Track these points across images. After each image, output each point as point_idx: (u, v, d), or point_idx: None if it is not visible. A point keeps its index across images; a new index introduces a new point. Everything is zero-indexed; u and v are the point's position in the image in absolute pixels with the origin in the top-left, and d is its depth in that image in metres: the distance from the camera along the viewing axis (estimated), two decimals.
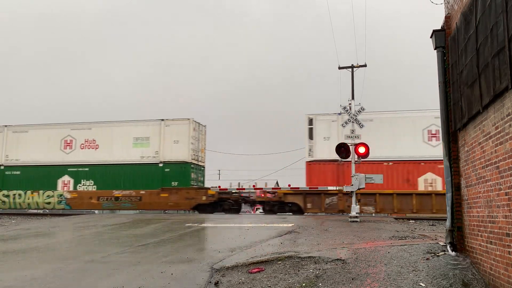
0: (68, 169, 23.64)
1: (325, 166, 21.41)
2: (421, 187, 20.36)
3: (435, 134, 20.60)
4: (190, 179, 22.26)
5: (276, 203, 21.07)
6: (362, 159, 16.10)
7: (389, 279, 5.47)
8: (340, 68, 30.91)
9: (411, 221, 17.22)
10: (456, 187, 6.71)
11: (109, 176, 23.13)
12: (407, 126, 21.03)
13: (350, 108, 15.81)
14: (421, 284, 5.21)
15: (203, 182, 24.15)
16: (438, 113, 7.96)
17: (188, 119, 22.74)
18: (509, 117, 4.25)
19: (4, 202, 23.93)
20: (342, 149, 15.33)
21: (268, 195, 21.45)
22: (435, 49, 7.30)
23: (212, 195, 21.56)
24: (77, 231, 13.01)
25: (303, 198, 20.49)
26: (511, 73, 4.01)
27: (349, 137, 15.55)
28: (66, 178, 23.64)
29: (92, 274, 6.83)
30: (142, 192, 22.25)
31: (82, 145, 23.74)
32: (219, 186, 22.81)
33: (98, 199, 22.88)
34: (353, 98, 28.71)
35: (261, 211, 30.03)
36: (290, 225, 12.86)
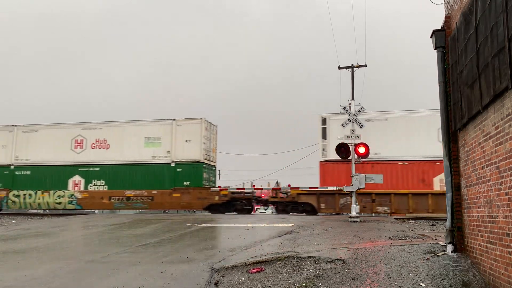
0: (79, 169, 23.52)
1: (339, 166, 21.10)
2: (436, 187, 20.08)
3: None
4: (202, 179, 22.12)
5: (289, 203, 20.94)
6: (363, 159, 16.09)
7: (389, 279, 5.47)
8: (340, 68, 30.91)
9: (411, 221, 17.22)
10: (456, 187, 6.71)
11: (120, 176, 23.01)
12: (421, 126, 20.84)
13: (350, 108, 15.80)
14: (421, 284, 5.21)
15: (214, 182, 24.00)
16: None
17: (200, 118, 22.58)
18: (509, 117, 4.25)
19: (14, 202, 23.79)
20: (342, 149, 15.33)
21: (281, 195, 21.35)
22: (435, 49, 7.30)
23: (225, 195, 21.44)
24: (77, 231, 13.02)
25: (317, 198, 20.33)
26: (511, 73, 4.02)
27: (349, 137, 15.55)
28: (76, 178, 23.53)
29: (92, 274, 6.83)
30: (154, 192, 22.15)
31: (93, 145, 23.61)
32: (219, 187, 22.77)
33: (110, 199, 22.75)
34: (353, 98, 28.72)
35: (262, 211, 30.02)
36: (290, 225, 12.86)
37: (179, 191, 21.84)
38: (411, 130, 20.78)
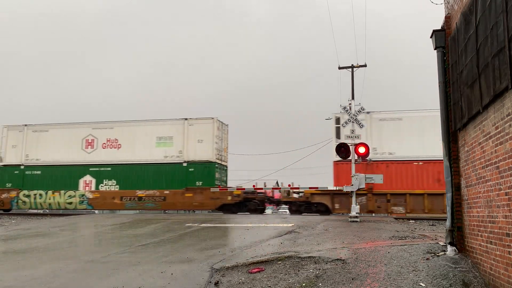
0: (90, 169, 23.38)
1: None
2: None
3: None
4: (215, 178, 22.00)
5: (303, 203, 20.84)
6: (363, 159, 16.08)
7: (389, 279, 5.46)
8: (340, 68, 30.90)
9: (411, 221, 17.22)
10: (456, 187, 6.71)
11: (132, 175, 22.85)
12: (437, 125, 20.72)
13: (350, 108, 15.80)
14: (421, 284, 5.21)
15: (226, 182, 23.83)
16: None
17: (212, 118, 22.45)
18: (509, 117, 4.25)
19: (24, 202, 23.63)
20: (342, 149, 15.32)
21: (294, 195, 21.26)
22: (435, 49, 7.30)
23: (238, 195, 21.33)
24: (77, 231, 13.01)
25: (331, 198, 20.20)
26: (511, 73, 4.01)
27: (349, 137, 15.54)
28: (87, 178, 23.39)
29: (92, 274, 6.83)
30: (166, 192, 22.01)
31: (104, 145, 23.46)
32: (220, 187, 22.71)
33: (121, 199, 22.62)
34: (353, 98, 28.71)
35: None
36: (290, 225, 12.85)
37: (191, 191, 21.69)
38: (426, 130, 20.48)
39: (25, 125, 24.68)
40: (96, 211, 26.77)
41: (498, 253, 4.67)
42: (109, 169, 23.20)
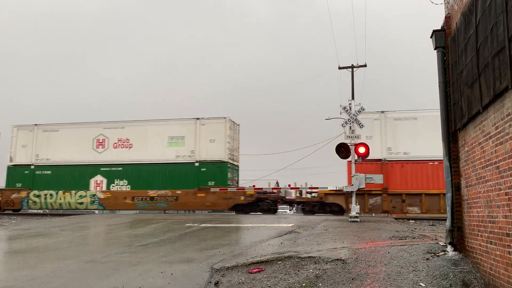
0: (101, 169, 23.28)
1: (369, 166, 20.58)
2: None
3: None
4: (227, 178, 21.90)
5: (317, 204, 20.71)
6: (363, 159, 16.08)
7: (389, 279, 5.46)
8: (340, 68, 30.90)
9: (411, 221, 17.21)
10: (456, 187, 6.71)
11: (143, 175, 22.75)
12: None
13: (350, 108, 15.80)
14: (421, 284, 5.21)
15: (237, 182, 23.74)
16: None
17: (224, 117, 22.37)
18: (509, 117, 4.24)
19: (35, 202, 23.51)
20: (342, 149, 15.32)
21: (308, 195, 21.15)
22: (435, 49, 7.30)
23: (251, 195, 21.17)
24: (77, 231, 13.01)
25: (345, 198, 19.94)
26: (511, 73, 4.01)
27: (349, 137, 15.54)
28: (98, 177, 23.28)
29: (92, 274, 6.83)
30: (179, 192, 21.88)
31: (115, 144, 23.37)
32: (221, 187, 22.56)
33: (133, 199, 22.49)
34: (353, 98, 28.70)
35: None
36: (290, 225, 12.85)
37: (203, 191, 21.53)
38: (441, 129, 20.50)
39: (35, 124, 24.56)
40: (96, 211, 26.73)
41: (498, 253, 4.67)
42: (121, 169, 23.09)
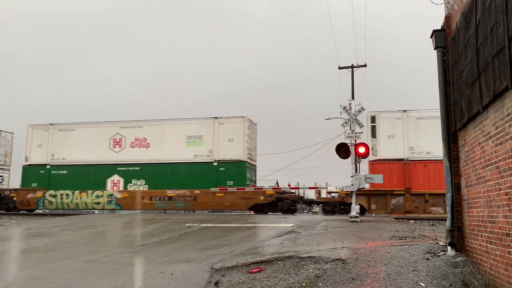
0: (118, 168, 23.03)
1: (390, 166, 20.47)
2: None
3: None
4: (246, 178, 21.69)
5: (337, 204, 20.54)
6: (363, 159, 16.06)
7: (389, 279, 5.46)
8: (340, 68, 30.88)
9: (411, 221, 17.20)
10: (456, 187, 6.71)
11: (161, 175, 22.53)
12: None
13: (350, 108, 15.79)
14: (421, 284, 5.21)
15: (255, 181, 23.53)
16: None
17: (243, 117, 22.18)
18: (509, 117, 4.25)
19: (51, 202, 23.26)
20: (342, 149, 15.31)
21: (329, 195, 21.02)
22: (435, 49, 7.30)
23: (270, 195, 21.01)
24: (77, 231, 13.00)
25: (367, 198, 19.81)
26: (511, 73, 4.01)
27: (349, 137, 15.53)
28: (115, 177, 23.04)
29: (92, 274, 6.83)
30: (197, 191, 21.62)
31: (132, 144, 23.14)
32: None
33: (151, 199, 22.26)
34: (353, 98, 28.68)
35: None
36: (290, 225, 12.85)
37: (222, 190, 21.29)
38: None
39: (51, 124, 24.36)
40: (96, 211, 26.68)
41: (498, 253, 4.67)
42: (138, 168, 22.86)
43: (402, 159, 20.31)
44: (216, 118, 22.48)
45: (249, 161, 22.26)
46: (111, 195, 22.85)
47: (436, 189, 19.38)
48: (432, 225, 15.17)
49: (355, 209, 14.85)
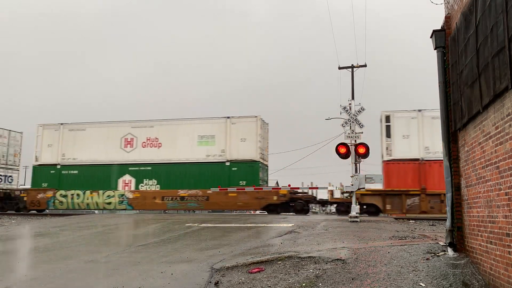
0: (129, 168, 22.86)
1: (405, 166, 20.23)
2: None
3: None
4: (259, 178, 21.54)
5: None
6: (363, 159, 16.06)
7: (389, 279, 5.46)
8: (340, 68, 30.92)
9: (411, 221, 17.20)
10: (456, 187, 6.71)
11: (173, 175, 22.39)
12: None
13: (350, 108, 15.78)
14: (421, 284, 5.21)
15: (267, 181, 23.41)
16: None
17: (255, 116, 22.04)
18: (509, 117, 4.25)
19: (61, 202, 23.16)
20: (342, 149, 15.30)
21: (342, 195, 20.85)
22: (435, 49, 7.30)
23: (284, 195, 20.86)
24: (77, 231, 13.00)
25: (382, 199, 19.65)
26: (511, 73, 4.01)
27: (349, 137, 15.53)
28: (127, 177, 22.88)
29: (92, 274, 6.83)
30: (209, 191, 21.37)
31: (144, 143, 22.98)
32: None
33: (163, 199, 22.14)
34: (353, 98, 28.74)
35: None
36: (290, 225, 12.85)
37: (235, 191, 21.17)
38: None
39: (61, 123, 24.23)
40: (96, 211, 26.67)
41: (498, 253, 4.67)
42: (150, 168, 22.72)
43: (417, 159, 20.10)
44: (228, 117, 22.34)
45: (261, 161, 22.14)
46: (122, 195, 22.72)
47: None
48: (432, 225, 15.17)
49: (355, 209, 14.85)
